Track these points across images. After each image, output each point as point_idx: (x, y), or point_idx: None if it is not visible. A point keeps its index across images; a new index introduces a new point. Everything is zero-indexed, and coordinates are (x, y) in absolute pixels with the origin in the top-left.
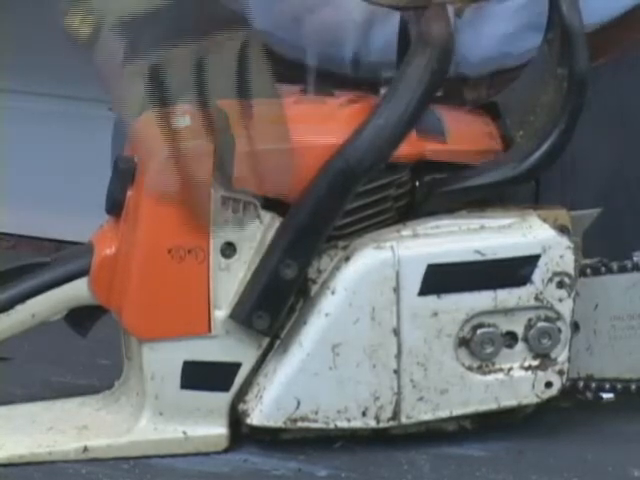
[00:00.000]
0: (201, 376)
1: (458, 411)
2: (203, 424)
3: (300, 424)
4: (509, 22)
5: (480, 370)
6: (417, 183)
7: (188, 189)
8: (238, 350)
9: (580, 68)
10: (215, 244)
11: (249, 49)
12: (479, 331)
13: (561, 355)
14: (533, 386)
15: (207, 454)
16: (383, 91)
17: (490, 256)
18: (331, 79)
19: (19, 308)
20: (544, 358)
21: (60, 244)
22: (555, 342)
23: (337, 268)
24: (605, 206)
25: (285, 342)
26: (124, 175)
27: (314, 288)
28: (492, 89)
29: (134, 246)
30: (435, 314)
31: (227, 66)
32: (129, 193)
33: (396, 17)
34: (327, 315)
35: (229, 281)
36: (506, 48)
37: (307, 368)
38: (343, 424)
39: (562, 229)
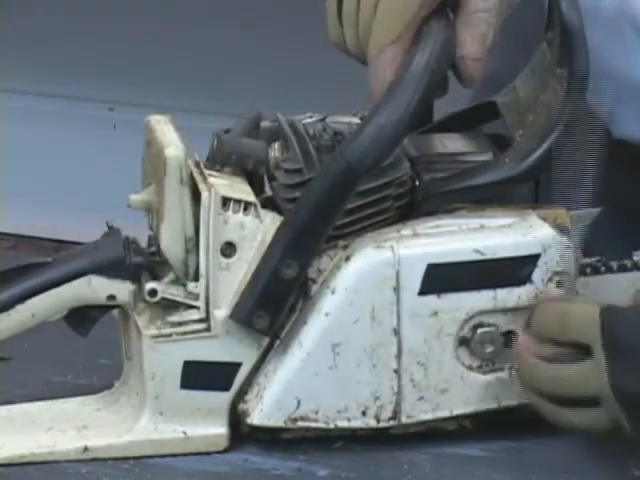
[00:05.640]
0: (201, 376)
1: (458, 410)
2: (203, 424)
3: (300, 424)
4: None
5: (480, 369)
6: (417, 183)
7: None
8: (238, 350)
9: (580, 68)
10: (215, 244)
11: None
12: (479, 330)
13: None
14: None
15: (207, 454)
16: None
17: (490, 255)
18: None
19: (19, 308)
20: None
21: (60, 244)
22: None
23: (337, 268)
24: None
25: (285, 342)
26: None
27: (314, 288)
28: None
29: None
30: (435, 314)
31: None
32: None
33: None
34: (327, 315)
35: (229, 281)
36: None
37: (307, 368)
38: (343, 424)
39: (562, 229)
